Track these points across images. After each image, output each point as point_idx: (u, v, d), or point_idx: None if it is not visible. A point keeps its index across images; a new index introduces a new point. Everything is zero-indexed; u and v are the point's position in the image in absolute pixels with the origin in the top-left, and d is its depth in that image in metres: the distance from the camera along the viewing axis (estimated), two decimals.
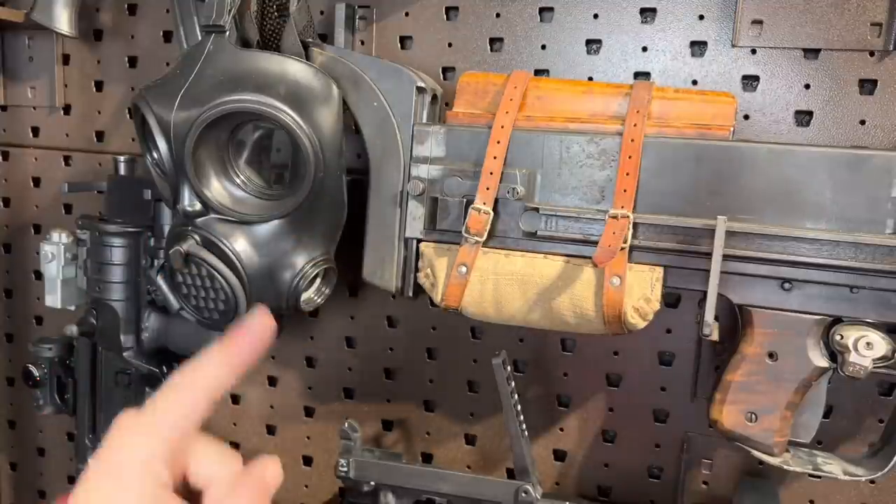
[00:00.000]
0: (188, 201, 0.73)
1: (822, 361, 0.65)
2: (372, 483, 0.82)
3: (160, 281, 0.85)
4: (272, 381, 1.00)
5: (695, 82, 0.78)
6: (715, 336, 0.66)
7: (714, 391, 0.69)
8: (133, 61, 0.99)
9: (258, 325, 0.42)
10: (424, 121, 0.74)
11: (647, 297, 0.66)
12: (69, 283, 0.93)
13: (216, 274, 0.73)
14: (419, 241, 0.73)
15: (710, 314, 0.65)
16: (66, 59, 1.02)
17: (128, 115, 0.99)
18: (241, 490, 0.39)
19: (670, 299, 0.82)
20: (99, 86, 1.01)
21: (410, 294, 0.75)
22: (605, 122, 0.68)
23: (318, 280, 0.78)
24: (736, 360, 0.67)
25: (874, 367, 0.62)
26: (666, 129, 0.67)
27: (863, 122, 0.74)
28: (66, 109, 1.03)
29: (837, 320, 0.64)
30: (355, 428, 0.82)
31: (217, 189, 0.73)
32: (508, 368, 0.74)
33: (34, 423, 1.12)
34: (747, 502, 0.76)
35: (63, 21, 0.92)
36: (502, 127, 0.69)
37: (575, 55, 0.81)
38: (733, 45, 0.76)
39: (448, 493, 0.79)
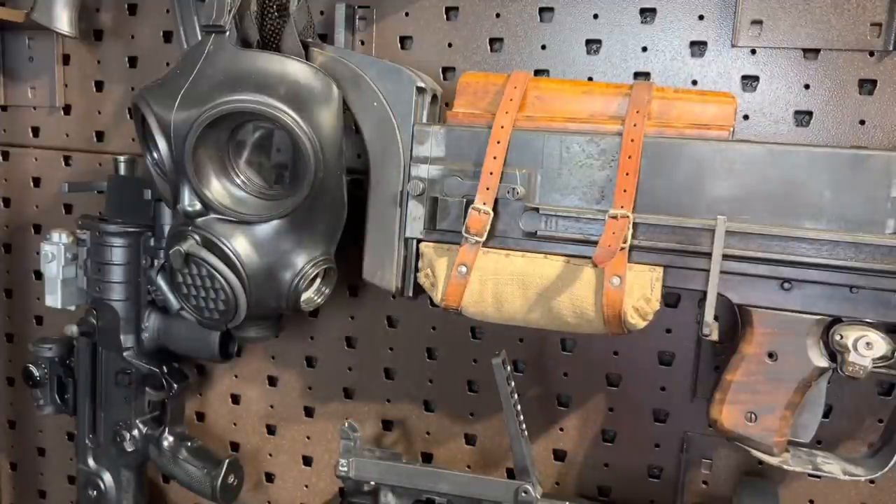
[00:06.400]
0: (188, 201, 0.73)
1: (821, 361, 0.65)
2: (372, 483, 0.82)
3: (160, 281, 0.85)
4: (272, 381, 1.00)
5: (695, 82, 0.78)
6: (715, 336, 0.66)
7: (714, 391, 0.69)
8: (133, 61, 0.99)
9: None
10: (424, 121, 0.74)
11: (647, 297, 0.66)
12: (69, 283, 0.93)
13: (216, 274, 0.73)
14: (419, 241, 0.73)
15: (709, 314, 0.65)
16: (66, 59, 1.02)
17: (128, 115, 0.99)
18: None
19: (670, 299, 0.82)
20: (99, 86, 1.01)
21: (410, 294, 0.75)
22: (605, 122, 0.68)
23: (318, 280, 0.78)
24: (736, 360, 0.67)
25: (874, 367, 0.62)
26: (666, 129, 0.67)
27: (862, 122, 0.74)
28: (66, 109, 1.03)
29: (837, 320, 0.64)
30: (355, 428, 0.82)
31: (217, 189, 0.73)
32: (508, 368, 0.74)
33: (34, 423, 1.12)
34: (747, 502, 0.76)
35: (63, 21, 0.92)
36: (502, 127, 0.69)
37: (575, 55, 0.81)
38: (733, 46, 0.76)
39: (448, 492, 0.79)
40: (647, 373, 0.84)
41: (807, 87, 0.75)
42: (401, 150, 0.73)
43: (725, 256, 0.64)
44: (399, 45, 0.87)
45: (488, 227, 0.69)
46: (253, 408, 1.01)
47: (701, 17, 0.77)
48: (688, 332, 0.82)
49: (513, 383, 0.75)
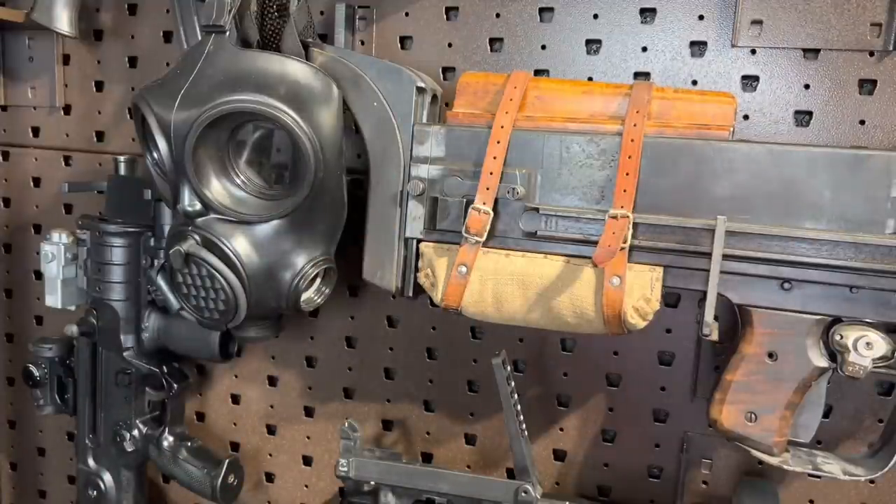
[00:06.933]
0: (188, 201, 0.73)
1: (821, 361, 0.65)
2: (372, 483, 0.82)
3: (160, 281, 0.85)
4: (272, 381, 1.00)
5: (695, 82, 0.78)
6: (715, 336, 0.66)
7: (714, 391, 0.69)
8: (133, 61, 0.99)
9: None
10: (424, 121, 0.74)
11: (647, 297, 0.66)
12: (69, 283, 0.93)
13: (216, 274, 0.73)
14: (419, 241, 0.73)
15: (709, 314, 0.65)
16: (66, 59, 1.02)
17: (128, 115, 0.99)
18: None
19: (670, 299, 0.82)
20: (99, 86, 1.01)
21: (410, 294, 0.75)
22: (605, 122, 0.68)
23: (318, 280, 0.78)
24: (736, 360, 0.67)
25: (874, 367, 0.62)
26: (666, 129, 0.67)
27: (862, 122, 0.74)
28: (66, 109, 1.03)
29: (837, 320, 0.64)
30: (355, 428, 0.82)
31: (217, 189, 0.73)
32: (508, 368, 0.74)
33: (34, 423, 1.12)
34: (747, 502, 0.76)
35: (63, 21, 0.92)
36: (502, 127, 0.69)
37: (575, 55, 0.81)
38: (733, 45, 0.76)
39: (448, 492, 0.79)
40: (647, 373, 0.84)
41: (807, 87, 0.75)
42: (401, 150, 0.73)
43: (725, 256, 0.64)
44: (399, 45, 0.87)
45: (488, 227, 0.69)
46: (253, 408, 1.01)
47: (701, 17, 0.77)
48: (688, 332, 0.82)
49: (513, 383, 0.75)
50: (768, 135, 0.77)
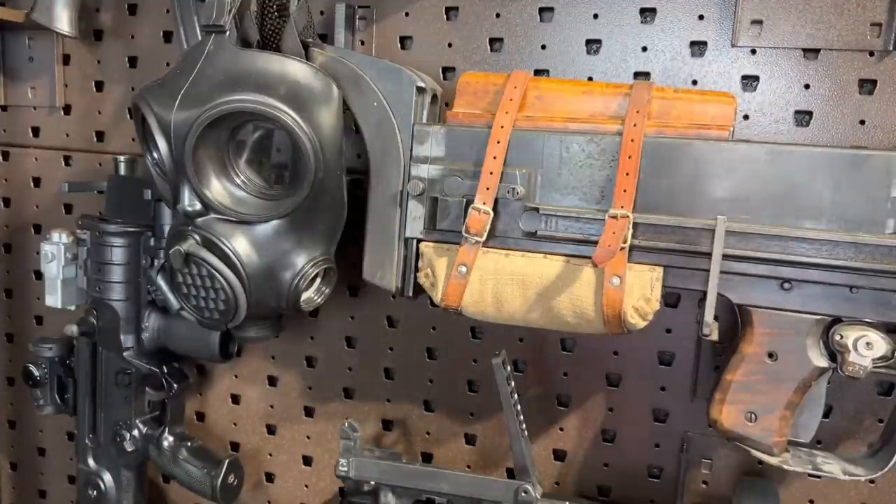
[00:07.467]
0: (188, 201, 0.73)
1: (821, 361, 0.65)
2: (372, 483, 0.82)
3: (160, 281, 0.85)
4: (272, 381, 1.00)
5: (695, 82, 0.78)
6: (715, 336, 0.66)
7: (714, 391, 0.69)
8: (133, 61, 0.99)
9: None
10: (424, 121, 0.74)
11: (647, 296, 0.66)
12: (69, 283, 0.93)
13: (216, 274, 0.73)
14: (419, 240, 0.73)
15: (709, 314, 0.65)
16: (66, 59, 1.02)
17: (128, 115, 0.99)
18: None
19: (670, 299, 0.82)
20: (99, 86, 1.01)
21: (410, 294, 0.75)
22: (605, 122, 0.68)
23: (318, 280, 0.78)
24: (736, 360, 0.67)
25: (874, 367, 0.62)
26: (666, 129, 0.67)
27: (862, 122, 0.74)
28: (66, 109, 1.03)
29: (837, 320, 0.64)
30: (355, 428, 0.82)
31: (217, 189, 0.73)
32: (508, 368, 0.74)
33: (34, 423, 1.12)
34: (747, 502, 0.76)
35: (63, 21, 0.92)
36: (502, 127, 0.69)
37: (575, 55, 0.81)
38: (733, 45, 0.76)
39: (448, 492, 0.79)
40: (647, 373, 0.84)
41: (807, 87, 0.75)
42: (401, 150, 0.73)
43: (725, 256, 0.64)
44: (399, 45, 0.87)
45: (488, 227, 0.69)
46: (253, 408, 1.01)
47: (701, 17, 0.77)
48: (688, 332, 0.82)
49: (513, 383, 0.75)
50: (768, 135, 0.77)
